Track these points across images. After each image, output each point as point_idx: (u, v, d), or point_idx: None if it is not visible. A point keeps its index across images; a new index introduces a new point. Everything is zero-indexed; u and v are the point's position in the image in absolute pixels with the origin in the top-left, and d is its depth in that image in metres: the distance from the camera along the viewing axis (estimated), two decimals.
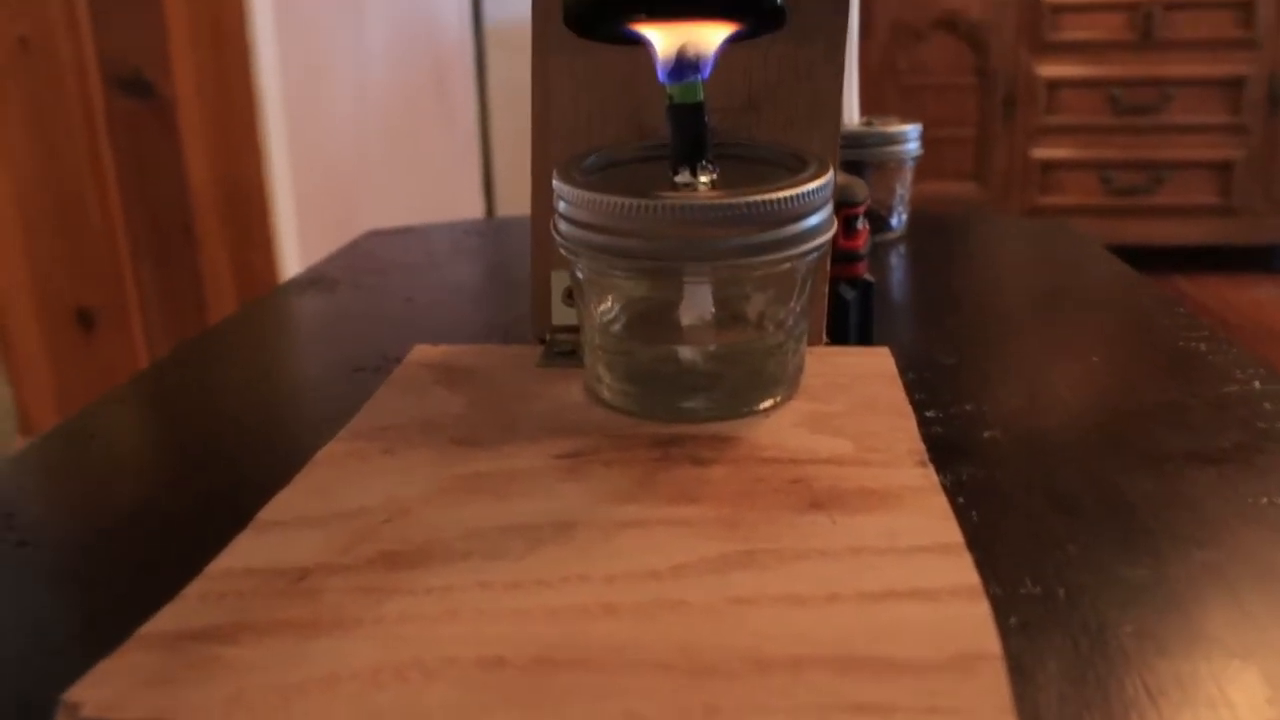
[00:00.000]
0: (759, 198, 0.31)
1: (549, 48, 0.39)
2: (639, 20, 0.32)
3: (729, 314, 0.35)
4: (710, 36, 0.33)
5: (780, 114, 0.39)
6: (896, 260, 0.65)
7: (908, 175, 0.68)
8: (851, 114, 0.69)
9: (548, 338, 0.42)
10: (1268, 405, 0.43)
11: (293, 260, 1.80)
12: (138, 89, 1.77)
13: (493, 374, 0.40)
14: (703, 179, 0.34)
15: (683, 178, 0.34)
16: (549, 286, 0.41)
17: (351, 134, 2.06)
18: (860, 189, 0.44)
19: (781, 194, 0.32)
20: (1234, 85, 2.87)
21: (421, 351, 0.42)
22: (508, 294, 0.59)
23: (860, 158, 0.66)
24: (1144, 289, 0.57)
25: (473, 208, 2.94)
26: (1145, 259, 2.99)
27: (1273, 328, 2.67)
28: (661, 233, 0.32)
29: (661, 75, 0.34)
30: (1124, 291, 0.57)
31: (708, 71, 0.34)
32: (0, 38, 1.77)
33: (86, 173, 1.81)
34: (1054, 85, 2.87)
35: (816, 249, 0.34)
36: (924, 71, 2.85)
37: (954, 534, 0.28)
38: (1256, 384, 0.45)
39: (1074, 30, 2.84)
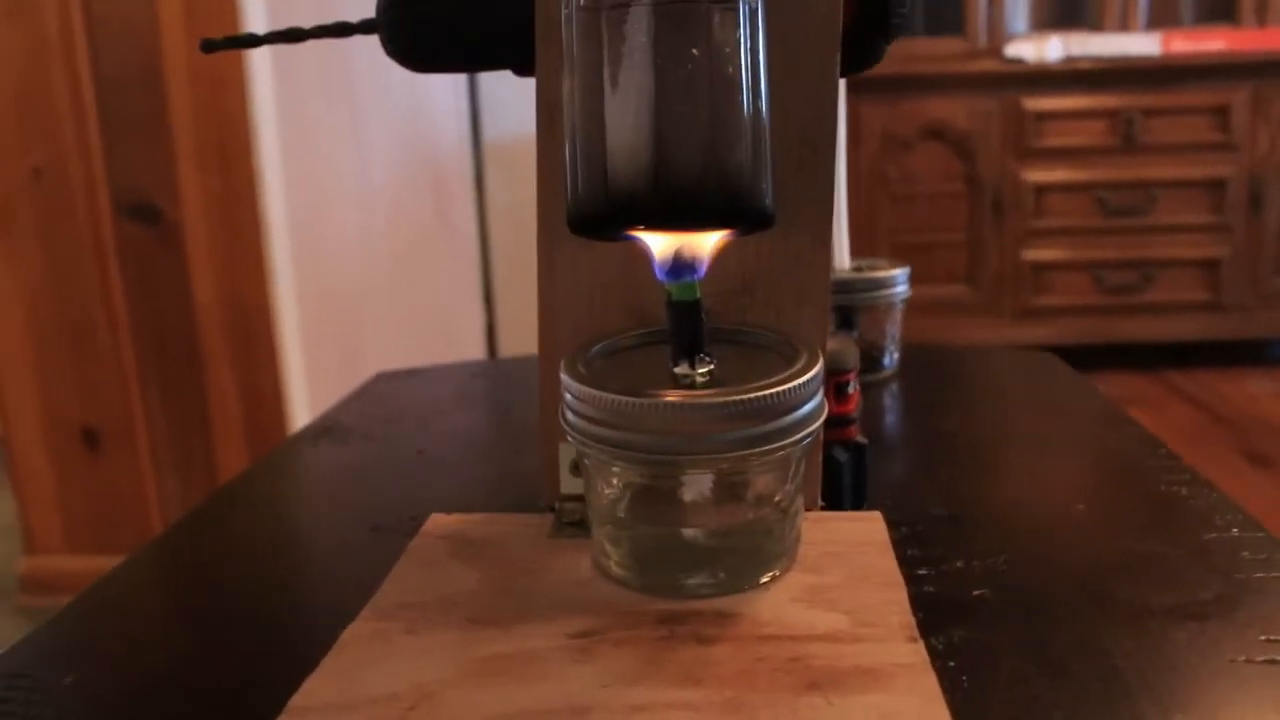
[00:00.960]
0: (753, 395, 0.34)
1: (553, 240, 0.42)
2: (638, 229, 0.35)
3: (729, 495, 0.37)
4: (705, 241, 0.36)
5: (772, 296, 0.41)
6: (889, 400, 0.68)
7: (898, 316, 0.71)
8: (843, 259, 0.72)
9: (556, 506, 0.44)
10: (1245, 554, 0.45)
11: (298, 382, 1.83)
12: (146, 215, 1.82)
13: (505, 545, 0.42)
14: (700, 371, 0.36)
15: (681, 369, 0.37)
16: (557, 457, 0.44)
17: (355, 255, 2.11)
18: (850, 355, 0.46)
19: (775, 389, 0.34)
20: (1216, 186, 2.94)
21: (437, 522, 0.45)
22: (516, 442, 0.61)
23: (851, 302, 0.69)
24: (1128, 428, 0.59)
25: (473, 324, 2.99)
26: (1139, 355, 3.04)
27: (1266, 420, 2.69)
28: (661, 429, 0.34)
29: (659, 274, 0.37)
30: (1108, 431, 0.60)
31: (703, 271, 0.36)
32: (15, 168, 1.82)
33: (95, 295, 1.85)
34: (1041, 190, 2.93)
35: (810, 435, 0.36)
36: (914, 180, 2.92)
37: (942, 717, 0.30)
38: (1235, 530, 0.47)
39: (1058, 137, 2.91)
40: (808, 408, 0.36)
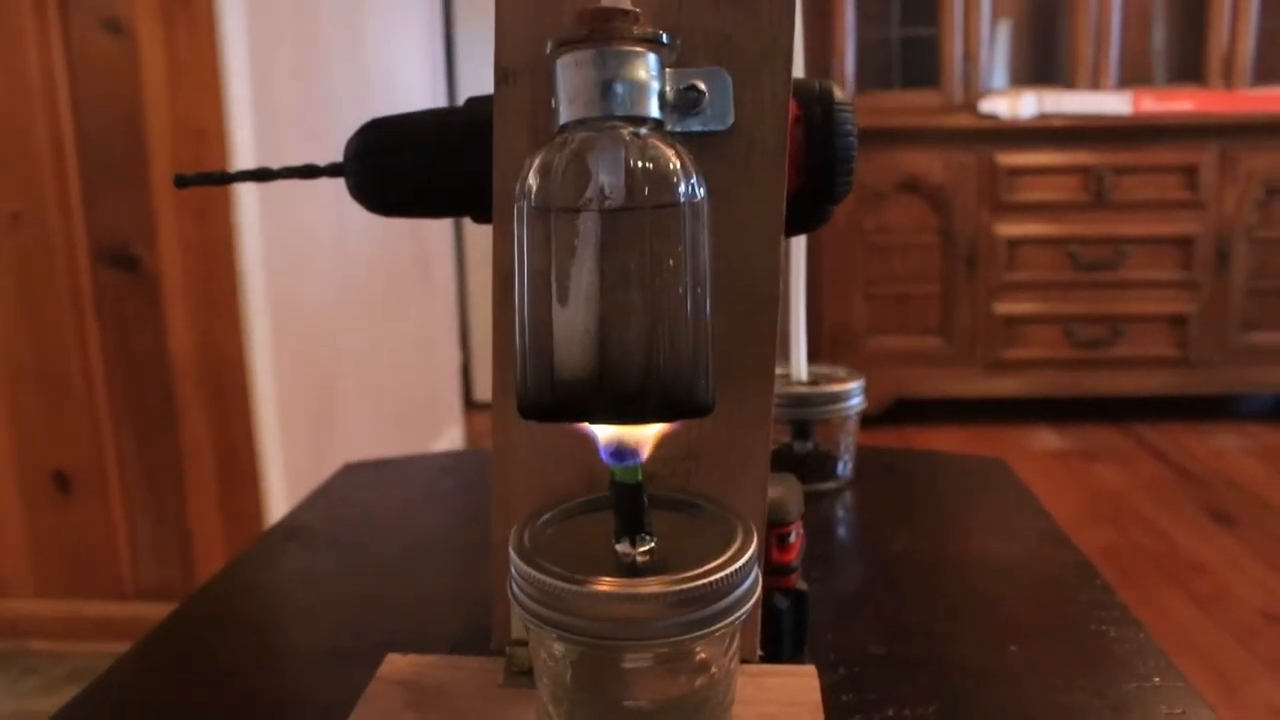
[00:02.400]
0: (690, 585, 0.36)
1: (507, 400, 0.44)
2: (583, 421, 0.37)
3: (669, 668, 0.39)
4: (647, 429, 0.38)
5: (716, 463, 0.44)
6: (841, 512, 0.70)
7: (852, 427, 0.74)
8: (799, 369, 0.74)
9: (507, 651, 0.46)
10: (1164, 708, 0.47)
11: (271, 432, 1.84)
12: (124, 263, 1.83)
13: (458, 695, 0.44)
14: (641, 550, 0.38)
15: (623, 547, 0.39)
16: (508, 604, 0.45)
17: (332, 303, 2.12)
18: (792, 505, 0.48)
19: (712, 577, 0.36)
20: (1184, 243, 2.99)
21: (392, 664, 0.46)
22: (479, 552, 0.62)
23: (807, 416, 0.71)
24: (1067, 554, 0.62)
25: (449, 365, 3.00)
26: (1108, 408, 3.08)
27: (1231, 477, 2.73)
28: (599, 615, 0.36)
29: (604, 456, 0.39)
30: (1049, 555, 0.62)
31: (645, 456, 0.38)
32: None
33: (71, 341, 1.86)
34: (1014, 243, 2.98)
35: (748, 611, 0.38)
36: (889, 231, 2.96)
37: None
38: (1156, 679, 0.49)
39: (1031, 192, 2.96)
40: (745, 586, 0.38)
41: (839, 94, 0.46)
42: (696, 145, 0.40)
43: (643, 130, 0.37)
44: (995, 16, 3.12)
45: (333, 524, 0.69)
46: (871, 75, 3.11)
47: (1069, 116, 2.94)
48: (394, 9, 2.56)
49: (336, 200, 2.15)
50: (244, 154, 1.75)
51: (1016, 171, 2.95)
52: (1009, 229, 2.98)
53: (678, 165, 0.37)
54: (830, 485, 0.73)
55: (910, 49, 3.12)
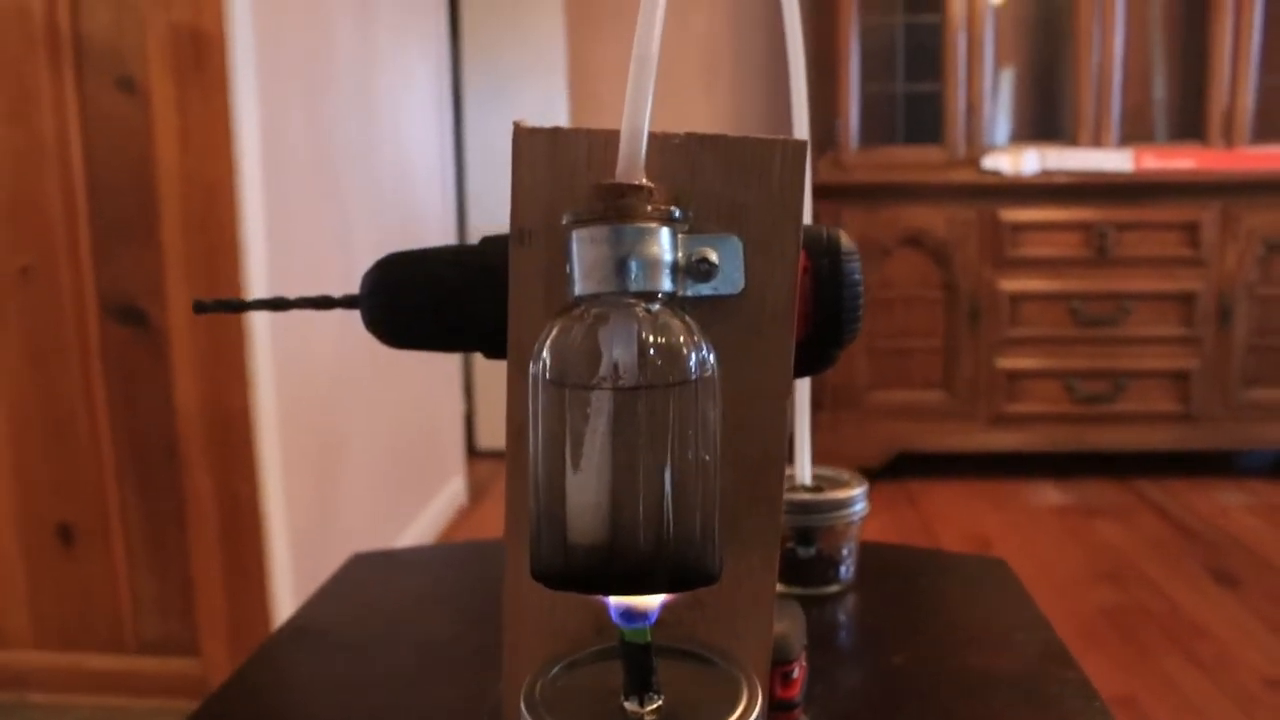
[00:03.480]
0: None
1: (520, 567, 0.44)
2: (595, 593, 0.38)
3: None
4: (655, 597, 0.39)
5: (721, 612, 0.44)
6: (843, 618, 0.71)
7: (855, 531, 0.74)
8: (804, 473, 0.75)
9: None
10: None
11: (275, 488, 1.85)
12: (132, 318, 1.84)
13: None
14: (649, 709, 0.39)
15: (631, 705, 0.39)
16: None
17: (336, 357, 2.13)
18: (795, 643, 0.49)
19: None
20: (1186, 299, 3.00)
21: None
22: (485, 659, 0.63)
23: (811, 524, 0.72)
24: (1068, 672, 0.62)
25: (453, 415, 3.01)
26: (1110, 464, 3.08)
27: (1234, 535, 2.72)
28: None
29: (613, 615, 0.39)
30: (1050, 673, 0.62)
31: (654, 619, 0.39)
32: (4, 267, 1.84)
33: (78, 395, 1.87)
34: (1016, 299, 2.99)
35: None
36: (892, 285, 2.97)
37: None
38: None
39: (1034, 247, 2.98)
40: None
41: (846, 243, 0.47)
42: (707, 308, 0.41)
43: (655, 306, 0.38)
44: (998, 69, 3.15)
45: (342, 623, 0.70)
46: (875, 130, 3.14)
47: (1071, 173, 2.96)
48: (404, 64, 2.59)
49: (343, 254, 2.17)
50: (253, 212, 1.76)
51: (1019, 227, 2.97)
52: (1011, 284, 3.00)
53: (689, 340, 0.38)
54: (832, 589, 0.74)
55: (914, 104, 3.15)
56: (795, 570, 0.73)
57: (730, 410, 0.42)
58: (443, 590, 0.75)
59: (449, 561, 0.80)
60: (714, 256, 0.40)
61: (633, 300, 0.38)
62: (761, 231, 0.41)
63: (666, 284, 0.39)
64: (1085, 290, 3.00)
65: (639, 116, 0.39)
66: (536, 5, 3.27)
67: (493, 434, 3.44)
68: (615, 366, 0.37)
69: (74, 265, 1.83)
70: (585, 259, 0.38)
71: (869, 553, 0.79)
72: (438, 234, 2.79)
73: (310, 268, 2.02)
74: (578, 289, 0.39)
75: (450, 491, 2.87)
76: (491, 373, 3.41)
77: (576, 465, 0.38)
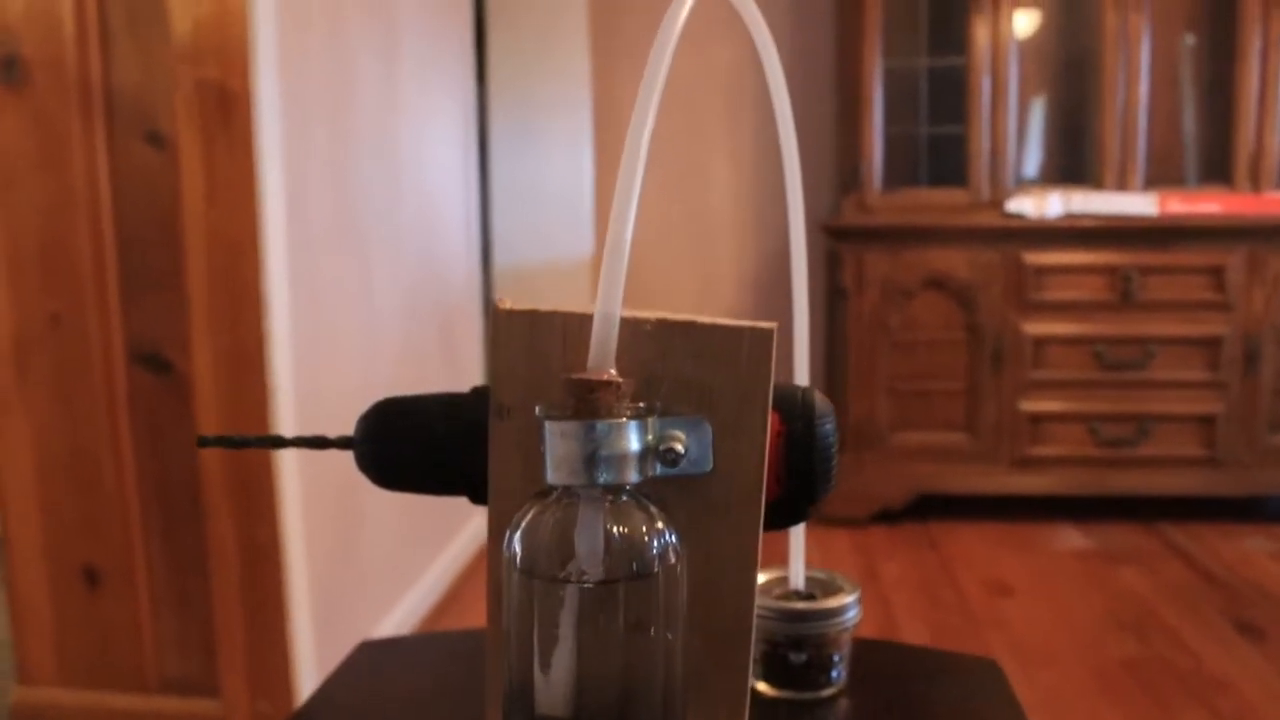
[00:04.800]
0: None
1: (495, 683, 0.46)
2: None
3: None
4: None
5: None
6: None
7: (848, 637, 0.75)
8: (798, 578, 0.76)
9: None
10: None
11: (295, 530, 1.87)
12: (157, 366, 1.87)
13: None
14: None
15: None
16: None
17: (358, 405, 2.15)
18: None
19: None
20: (1211, 344, 2.98)
21: None
22: None
23: (804, 632, 0.73)
24: None
25: None
26: (1135, 507, 3.06)
27: (1258, 582, 2.70)
28: None
29: None
30: None
31: None
32: (35, 314, 1.88)
33: (104, 440, 1.90)
34: (1040, 341, 2.99)
35: None
36: (915, 328, 2.97)
37: None
38: None
39: (1057, 291, 2.97)
40: None
41: (820, 405, 0.48)
42: (677, 486, 0.43)
43: (624, 497, 0.40)
44: (1025, 108, 3.15)
45: (349, 715, 0.71)
46: (899, 172, 3.15)
47: (1095, 216, 2.96)
48: (429, 108, 2.62)
49: (366, 303, 2.20)
50: (276, 265, 1.79)
51: (1043, 270, 2.97)
52: (1035, 327, 2.99)
53: (654, 530, 0.40)
54: (825, 694, 0.75)
55: (938, 146, 3.15)
56: (787, 675, 0.74)
57: (699, 584, 0.43)
58: (449, 684, 0.76)
59: (455, 653, 0.82)
60: (680, 446, 0.41)
61: (600, 493, 0.40)
62: (730, 414, 0.42)
63: (633, 475, 0.40)
64: (1109, 334, 2.98)
65: (611, 305, 0.41)
66: (563, 43, 3.30)
67: None
68: (581, 563, 0.39)
69: (102, 313, 1.86)
70: (556, 452, 0.40)
71: (860, 651, 0.80)
72: (461, 280, 2.81)
73: (333, 317, 2.05)
74: (549, 477, 0.40)
75: (471, 531, 2.89)
76: None
77: (544, 646, 0.39)
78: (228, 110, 1.75)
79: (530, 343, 0.44)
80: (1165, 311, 2.98)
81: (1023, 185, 3.09)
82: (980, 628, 2.42)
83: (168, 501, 1.92)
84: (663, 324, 0.43)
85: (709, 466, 0.43)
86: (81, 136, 1.83)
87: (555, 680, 0.39)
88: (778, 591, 0.78)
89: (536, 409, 0.40)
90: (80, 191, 1.84)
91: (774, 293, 3.60)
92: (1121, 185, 3.03)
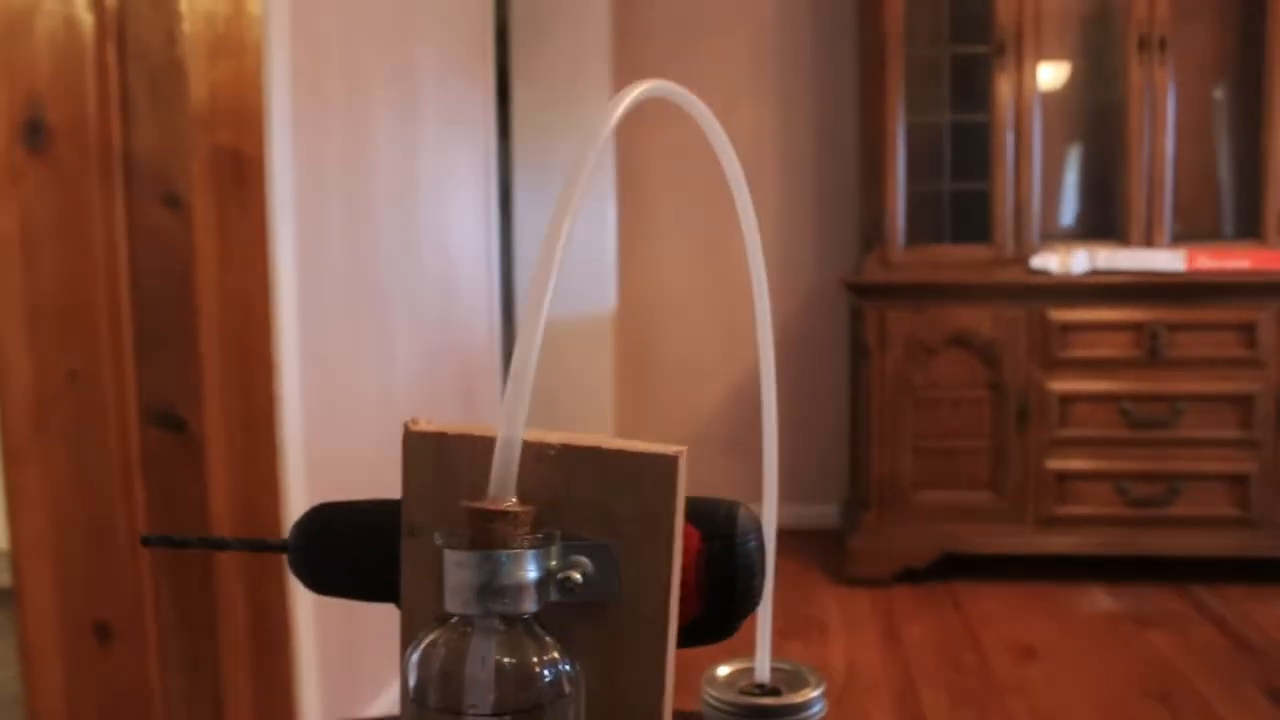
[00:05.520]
0: None
1: None
2: None
3: None
4: None
5: None
6: None
7: None
8: (762, 669, 0.74)
9: None
10: None
11: (305, 599, 1.87)
12: (171, 425, 1.89)
13: None
14: None
15: None
16: None
17: (373, 465, 2.16)
18: None
19: None
20: (1243, 401, 2.93)
21: None
22: None
23: None
24: None
25: None
26: (1165, 568, 3.00)
27: None
28: None
29: None
30: None
31: None
32: (54, 371, 1.90)
33: (118, 497, 1.91)
34: (1066, 399, 2.95)
35: None
36: (939, 385, 2.95)
37: None
38: None
39: (1083, 348, 2.94)
40: None
41: (743, 520, 0.47)
42: (580, 612, 0.42)
43: (520, 625, 0.39)
44: (1049, 163, 3.13)
45: None
46: (922, 228, 3.13)
47: (1122, 273, 2.93)
48: (449, 169, 2.65)
49: (385, 365, 2.21)
50: (288, 328, 1.81)
51: (1068, 327, 2.94)
52: (1061, 385, 2.95)
53: (548, 660, 0.39)
54: None
55: (961, 202, 3.14)
56: None
57: (605, 710, 0.42)
58: None
59: None
60: (579, 575, 0.40)
61: (495, 622, 0.39)
62: (634, 540, 0.42)
63: (531, 605, 0.39)
64: (1137, 391, 2.94)
65: (513, 431, 0.40)
66: (586, 101, 3.33)
67: None
68: (470, 694, 0.38)
69: (118, 371, 1.88)
70: (452, 580, 0.39)
71: None
72: (483, 341, 2.82)
73: (348, 380, 2.06)
74: (446, 604, 0.40)
75: None
76: None
77: None
78: (241, 174, 1.77)
79: (440, 463, 0.44)
80: (1194, 369, 2.93)
81: (1047, 241, 3.06)
82: (1001, 693, 2.37)
83: (179, 561, 1.92)
84: (567, 449, 0.42)
85: (613, 592, 0.42)
86: (101, 199, 1.86)
87: None
88: (741, 684, 0.76)
89: (435, 536, 0.40)
90: (99, 252, 1.86)
91: (796, 351, 3.59)
92: (1148, 241, 3.00)
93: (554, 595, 0.41)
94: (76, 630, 1.97)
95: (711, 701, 0.75)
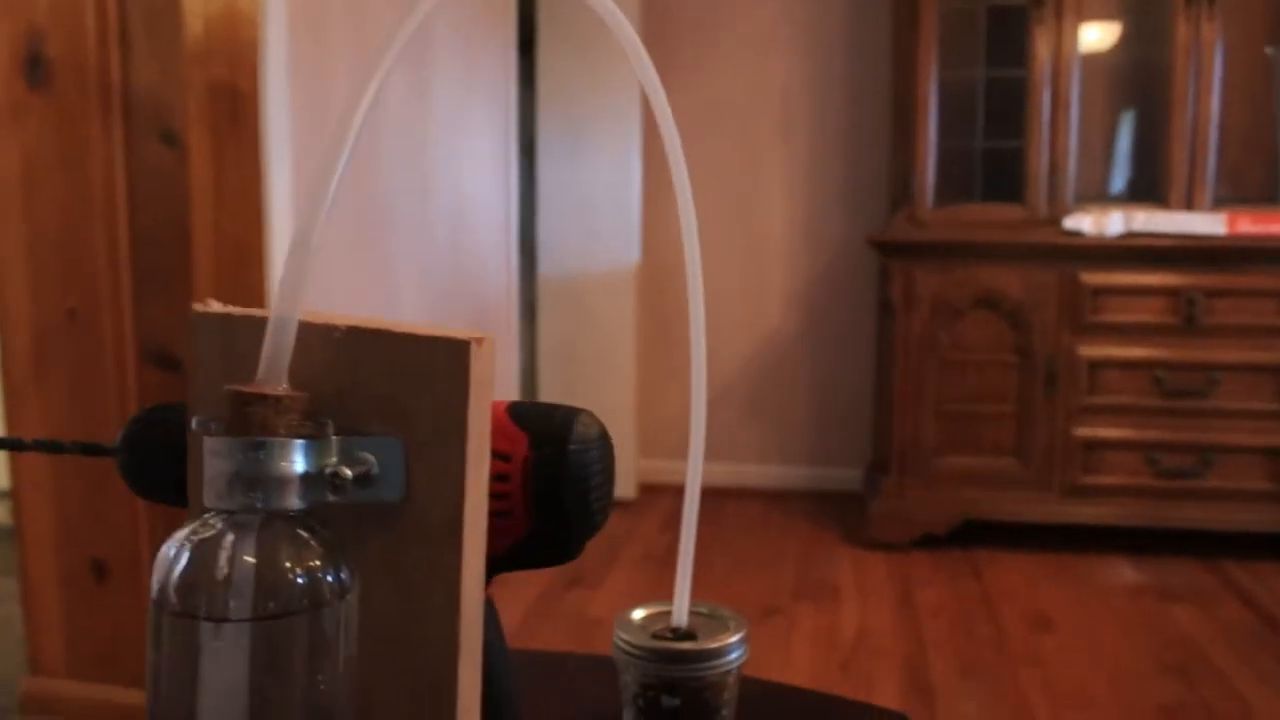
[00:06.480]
0: None
1: None
2: None
3: None
4: None
5: None
6: None
7: (732, 681, 0.69)
8: (680, 613, 0.70)
9: None
10: None
11: None
12: (167, 363, 1.87)
13: None
14: None
15: None
16: None
17: None
18: None
19: None
20: None
21: None
22: None
23: (674, 675, 0.67)
24: None
25: None
26: (1194, 542, 2.91)
27: None
28: None
29: None
30: None
31: None
32: (53, 309, 1.90)
33: (115, 435, 1.90)
34: (1096, 365, 2.86)
35: None
36: (965, 347, 2.87)
37: None
38: None
39: (1116, 313, 2.85)
40: None
41: (581, 430, 0.43)
42: (364, 516, 0.38)
43: (278, 524, 0.35)
44: (1087, 122, 3.02)
45: None
46: (953, 186, 3.04)
47: (1159, 235, 2.82)
48: (464, 116, 2.60)
49: (388, 310, 2.18)
50: (279, 268, 1.78)
51: (1101, 291, 2.84)
52: (1091, 350, 2.86)
53: (310, 567, 0.35)
54: None
55: (994, 161, 3.04)
56: None
57: (396, 626, 0.38)
58: None
59: None
60: (349, 472, 0.36)
61: (261, 519, 0.35)
62: (426, 437, 0.37)
63: (295, 501, 0.35)
64: (1171, 359, 2.84)
65: (288, 310, 0.36)
66: (613, 52, 3.26)
67: None
68: (225, 596, 0.34)
69: (116, 310, 1.87)
70: (209, 470, 0.35)
71: (754, 694, 0.73)
72: (498, 290, 2.79)
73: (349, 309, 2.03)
74: (205, 500, 0.36)
75: None
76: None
77: (187, 691, 0.35)
78: (237, 111, 1.74)
79: (227, 347, 0.40)
80: (1232, 336, 2.83)
81: (1082, 202, 2.96)
82: (1014, 664, 2.31)
83: None
84: (354, 332, 0.38)
85: (401, 492, 0.37)
86: (101, 135, 1.84)
87: None
88: (656, 628, 0.72)
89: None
90: (98, 189, 1.85)
91: (823, 310, 3.52)
92: (1189, 203, 2.89)
93: (328, 495, 0.36)
94: (74, 566, 1.97)
95: (620, 644, 0.71)
